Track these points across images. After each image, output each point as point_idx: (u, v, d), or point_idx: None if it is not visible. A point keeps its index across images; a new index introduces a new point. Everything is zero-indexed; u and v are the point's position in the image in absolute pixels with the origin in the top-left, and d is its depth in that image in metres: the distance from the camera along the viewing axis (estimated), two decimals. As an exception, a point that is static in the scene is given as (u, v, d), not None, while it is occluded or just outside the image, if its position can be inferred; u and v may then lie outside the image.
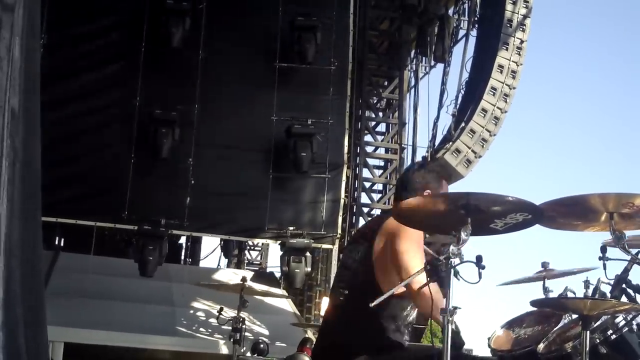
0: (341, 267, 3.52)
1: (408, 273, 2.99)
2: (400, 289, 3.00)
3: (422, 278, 2.98)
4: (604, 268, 3.04)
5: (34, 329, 2.58)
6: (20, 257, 2.50)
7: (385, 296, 2.86)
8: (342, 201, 9.64)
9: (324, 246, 9.58)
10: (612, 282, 3.23)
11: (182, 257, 14.15)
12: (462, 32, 10.92)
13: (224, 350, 8.35)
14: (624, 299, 3.24)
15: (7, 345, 2.38)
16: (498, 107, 10.10)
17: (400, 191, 3.57)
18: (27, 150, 2.57)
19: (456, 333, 3.02)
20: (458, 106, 10.49)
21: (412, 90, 11.60)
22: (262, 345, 6.38)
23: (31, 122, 2.63)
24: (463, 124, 10.14)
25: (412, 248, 3.16)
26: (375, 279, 3.20)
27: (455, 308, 2.67)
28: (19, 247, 2.49)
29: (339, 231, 9.51)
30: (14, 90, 2.47)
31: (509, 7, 10.19)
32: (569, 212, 2.98)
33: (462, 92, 10.57)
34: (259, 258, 16.69)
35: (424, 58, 11.36)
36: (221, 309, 6.07)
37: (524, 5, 10.24)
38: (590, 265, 3.38)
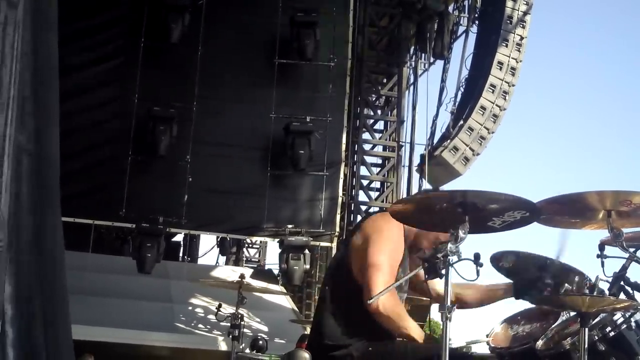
0: (329, 266, 3.63)
1: (370, 291, 3.05)
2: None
3: (387, 298, 3.05)
4: (602, 265, 3.04)
5: (54, 321, 2.56)
6: (35, 250, 2.48)
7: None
8: (339, 199, 9.64)
9: (322, 244, 9.59)
10: (610, 279, 3.23)
11: (180, 255, 14.14)
12: (462, 29, 10.91)
13: (223, 346, 8.35)
14: (622, 296, 3.24)
15: (18, 341, 2.36)
16: (497, 105, 10.10)
17: None
18: (41, 143, 2.55)
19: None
20: (457, 103, 10.49)
21: (411, 88, 11.58)
22: (261, 342, 6.36)
23: (46, 114, 2.61)
24: (462, 122, 10.14)
25: (384, 257, 3.19)
26: (353, 276, 3.25)
27: (453, 305, 2.67)
28: (31, 241, 2.47)
29: (337, 229, 9.51)
30: (20, 85, 2.46)
31: (509, 3, 10.19)
32: (566, 210, 2.98)
33: (462, 89, 10.57)
34: (257, 255, 16.68)
35: (423, 55, 11.34)
36: (220, 306, 6.08)
37: (524, 2, 10.24)
38: (588, 265, 3.40)
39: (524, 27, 10.27)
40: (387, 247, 3.24)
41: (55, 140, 2.67)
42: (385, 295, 3.06)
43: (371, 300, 2.94)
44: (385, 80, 11.84)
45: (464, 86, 10.57)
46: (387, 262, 3.19)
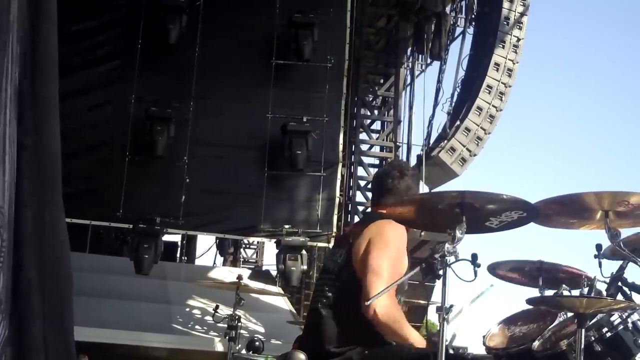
0: (323, 270, 3.53)
1: (368, 295, 3.03)
2: (392, 289, 3.02)
3: (383, 301, 3.04)
4: (600, 266, 3.04)
5: (54, 316, 2.53)
6: (33, 243, 2.46)
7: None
8: (337, 199, 9.64)
9: (320, 244, 9.58)
10: (607, 280, 3.23)
11: (178, 255, 14.14)
12: (459, 30, 10.93)
13: (220, 347, 8.35)
14: (619, 297, 3.24)
15: (16, 339, 2.34)
16: (493, 106, 10.12)
17: (379, 196, 3.57)
18: (39, 136, 2.53)
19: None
20: (453, 104, 10.50)
21: (408, 88, 11.61)
22: (257, 343, 6.36)
23: (44, 107, 2.59)
24: (458, 122, 10.16)
25: (387, 263, 3.17)
26: (358, 283, 3.21)
27: (450, 306, 2.67)
28: (30, 234, 2.45)
29: (335, 229, 9.50)
30: (19, 81, 2.44)
31: (506, 4, 10.21)
32: (564, 211, 2.98)
33: (458, 90, 10.58)
34: (254, 256, 16.69)
35: (420, 56, 11.36)
36: (217, 307, 6.07)
37: (521, 3, 10.26)
38: (586, 265, 3.42)
39: (520, 28, 10.29)
40: (390, 253, 3.20)
41: (54, 132, 2.64)
42: (385, 303, 3.06)
43: (368, 303, 2.92)
44: (382, 81, 11.86)
45: (460, 87, 10.59)
46: (388, 268, 3.15)
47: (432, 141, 10.62)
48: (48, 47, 2.60)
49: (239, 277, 5.91)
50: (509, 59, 10.18)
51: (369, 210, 10.82)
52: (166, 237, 9.41)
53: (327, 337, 3.23)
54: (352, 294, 3.17)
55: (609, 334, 3.05)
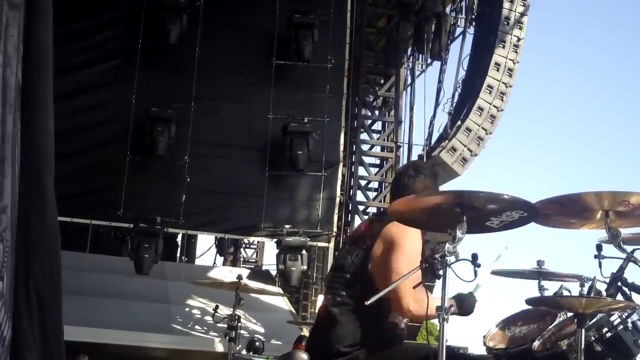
0: (337, 268, 3.51)
1: (399, 300, 3.12)
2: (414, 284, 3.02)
3: (412, 299, 3.09)
4: (600, 266, 3.04)
5: (44, 315, 2.52)
6: (25, 241, 2.45)
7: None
8: (337, 199, 9.64)
9: (320, 244, 9.59)
10: (607, 280, 3.23)
11: (178, 255, 14.14)
12: (459, 30, 10.92)
13: (220, 348, 8.35)
14: (619, 297, 3.24)
15: (11, 339, 2.34)
16: (494, 105, 10.12)
17: (396, 194, 3.56)
18: (29, 133, 2.53)
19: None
20: (454, 104, 10.50)
21: (409, 88, 11.61)
22: (257, 343, 6.36)
23: (41, 104, 2.58)
24: (459, 122, 10.16)
25: (407, 265, 3.15)
26: (374, 284, 3.20)
27: (451, 306, 2.67)
28: (21, 232, 2.45)
29: (335, 229, 9.51)
30: (21, 87, 2.44)
31: (506, 4, 10.22)
32: (564, 210, 2.98)
33: (459, 90, 10.58)
34: (254, 256, 16.69)
35: (420, 56, 11.36)
36: (217, 307, 6.06)
37: (522, 3, 10.27)
38: (584, 272, 3.43)
39: (521, 28, 10.30)
40: (409, 255, 3.18)
41: (44, 128, 2.63)
42: (412, 300, 3.10)
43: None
44: (382, 81, 11.86)
45: (461, 87, 10.59)
46: (409, 270, 3.14)
47: (433, 141, 10.63)
48: (42, 46, 2.60)
49: (239, 277, 5.90)
50: (509, 59, 10.19)
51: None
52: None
53: (336, 335, 3.24)
54: (365, 295, 3.15)
55: (609, 334, 3.05)
